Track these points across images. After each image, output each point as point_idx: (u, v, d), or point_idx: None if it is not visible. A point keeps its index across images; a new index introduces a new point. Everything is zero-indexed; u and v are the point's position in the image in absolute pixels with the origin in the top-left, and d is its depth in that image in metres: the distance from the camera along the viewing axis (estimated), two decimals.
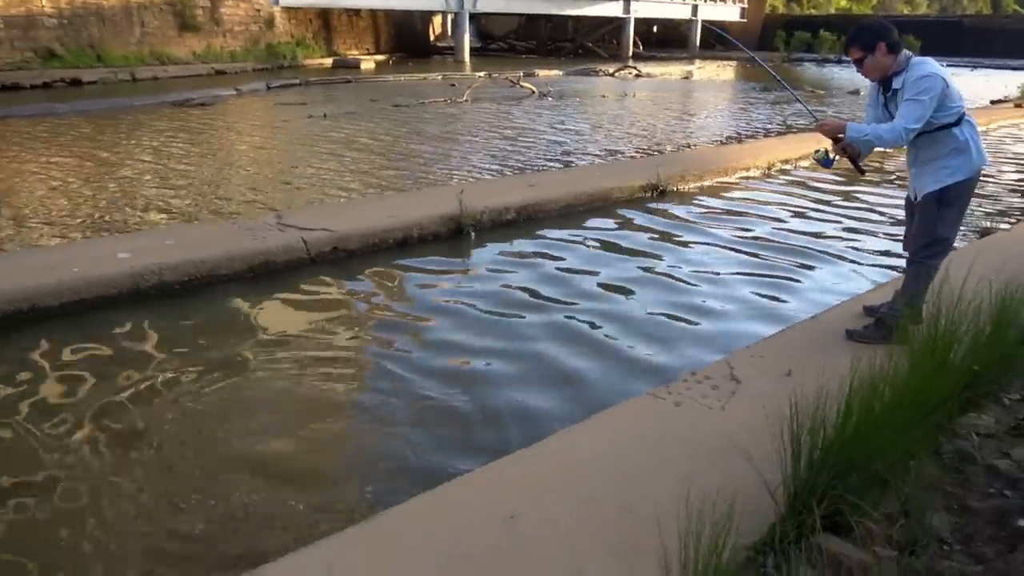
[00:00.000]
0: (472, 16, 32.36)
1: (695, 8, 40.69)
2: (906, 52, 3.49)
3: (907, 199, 3.85)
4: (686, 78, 26.58)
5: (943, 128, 3.47)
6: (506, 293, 5.06)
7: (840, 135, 3.59)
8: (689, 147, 11.34)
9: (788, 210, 7.41)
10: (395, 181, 8.57)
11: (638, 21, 38.69)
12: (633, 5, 37.78)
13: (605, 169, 8.67)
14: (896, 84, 3.48)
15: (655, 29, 43.30)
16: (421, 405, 3.57)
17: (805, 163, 9.56)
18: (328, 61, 27.46)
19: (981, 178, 3.73)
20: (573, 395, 3.71)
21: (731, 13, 42.70)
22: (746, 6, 42.98)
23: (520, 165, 9.60)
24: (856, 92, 20.84)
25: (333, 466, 3.12)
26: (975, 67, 31.19)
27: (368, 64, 27.46)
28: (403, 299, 5.01)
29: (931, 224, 3.60)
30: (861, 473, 2.36)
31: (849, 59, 3.59)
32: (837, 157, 3.73)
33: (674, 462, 2.76)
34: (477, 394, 3.67)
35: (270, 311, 4.75)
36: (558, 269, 5.58)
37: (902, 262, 5.93)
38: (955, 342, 2.84)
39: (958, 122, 3.48)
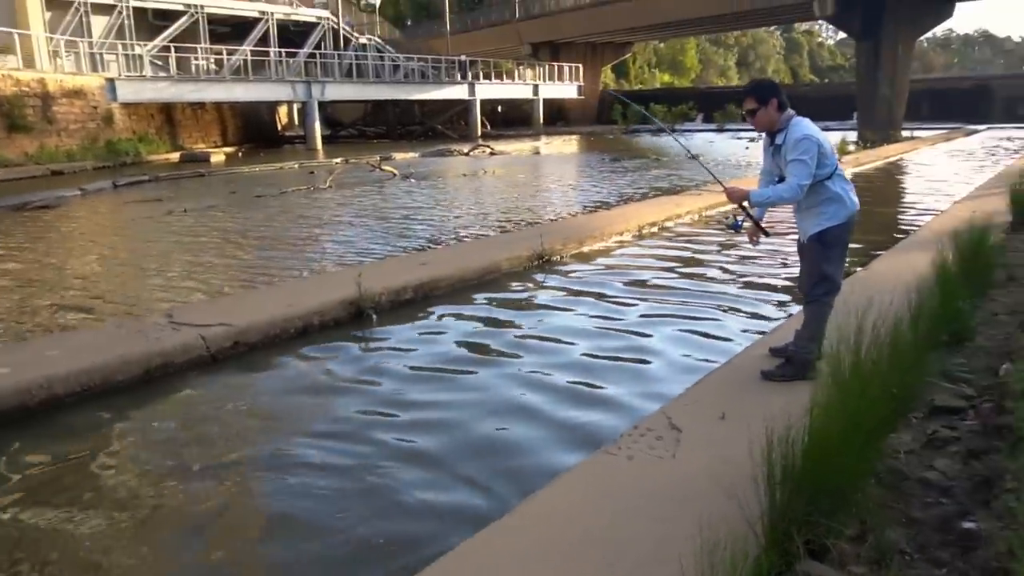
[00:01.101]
0: (320, 104, 32.48)
1: (536, 88, 42.79)
2: (789, 111, 3.86)
3: (798, 243, 4.19)
4: (537, 153, 27.77)
5: (819, 181, 3.84)
6: (424, 367, 5.06)
7: (744, 201, 3.91)
8: (564, 217, 11.79)
9: (671, 264, 7.93)
10: (280, 271, 8.36)
11: (483, 102, 40.16)
12: (478, 88, 39.24)
13: (491, 242, 8.88)
14: (779, 140, 3.87)
15: (500, 109, 45.08)
16: (370, 491, 3.47)
17: (671, 223, 10.21)
18: (175, 156, 26.57)
19: None
20: (509, 463, 3.73)
21: (569, 91, 45.21)
22: (582, 84, 45.63)
23: (405, 245, 9.63)
24: (695, 157, 22.43)
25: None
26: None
27: (218, 157, 26.77)
28: (317, 389, 4.86)
29: (817, 263, 3.97)
30: (828, 498, 2.53)
31: (743, 110, 3.94)
32: (743, 221, 4.09)
33: (644, 512, 2.83)
34: (412, 476, 3.60)
35: (180, 414, 4.48)
36: (467, 340, 5.63)
37: (784, 297, 6.54)
38: (876, 372, 3.11)
39: (830, 176, 3.87)
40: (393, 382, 4.89)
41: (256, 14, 33.40)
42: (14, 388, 4.43)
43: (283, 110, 44.15)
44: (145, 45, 27.96)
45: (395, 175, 18.90)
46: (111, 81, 25.54)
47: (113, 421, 4.37)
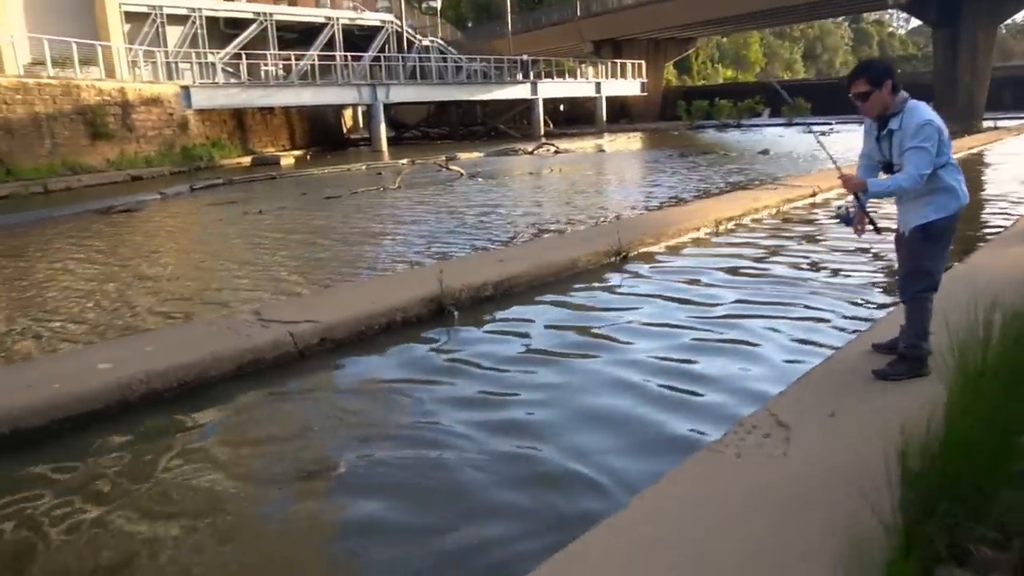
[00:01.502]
0: (384, 107, 32.91)
1: (598, 85, 42.53)
2: (903, 93, 3.61)
3: (896, 235, 3.97)
4: (601, 150, 27.58)
5: (932, 170, 3.60)
6: (511, 360, 5.03)
7: (860, 192, 3.70)
8: (639, 213, 11.65)
9: (755, 259, 7.73)
10: (360, 268, 8.47)
11: (546, 101, 40.08)
12: (540, 87, 39.21)
13: (567, 239, 8.81)
14: (893, 125, 3.61)
15: (562, 107, 44.94)
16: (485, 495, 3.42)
17: (748, 219, 9.96)
18: (246, 160, 27.26)
19: None
20: (612, 451, 3.66)
21: (633, 88, 44.80)
22: (645, 80, 45.17)
23: (481, 243, 9.65)
24: (766, 152, 21.99)
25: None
26: (862, 122, 33.44)
27: (287, 160, 27.39)
28: (406, 381, 4.85)
29: (917, 257, 3.76)
30: (968, 498, 2.38)
31: (851, 93, 3.66)
32: (854, 213, 3.86)
33: (763, 512, 2.71)
34: (523, 471, 3.55)
35: (276, 408, 4.53)
36: (553, 334, 5.57)
37: (878, 291, 6.29)
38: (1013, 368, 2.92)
39: (944, 165, 3.63)
40: (482, 375, 4.87)
41: (322, 20, 34.07)
42: (116, 383, 4.54)
43: (348, 113, 44.94)
44: (217, 53, 28.77)
45: (462, 175, 18.98)
46: (186, 88, 26.36)
47: (210, 415, 4.44)
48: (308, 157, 30.08)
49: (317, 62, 31.50)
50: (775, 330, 5.44)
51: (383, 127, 32.67)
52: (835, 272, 7.13)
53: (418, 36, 38.60)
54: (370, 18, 36.53)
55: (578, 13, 49.50)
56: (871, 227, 3.93)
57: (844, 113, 36.59)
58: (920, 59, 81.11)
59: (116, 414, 4.42)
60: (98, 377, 4.58)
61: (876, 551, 2.34)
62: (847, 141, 25.40)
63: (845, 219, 3.88)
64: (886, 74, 3.59)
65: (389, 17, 37.14)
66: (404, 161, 23.65)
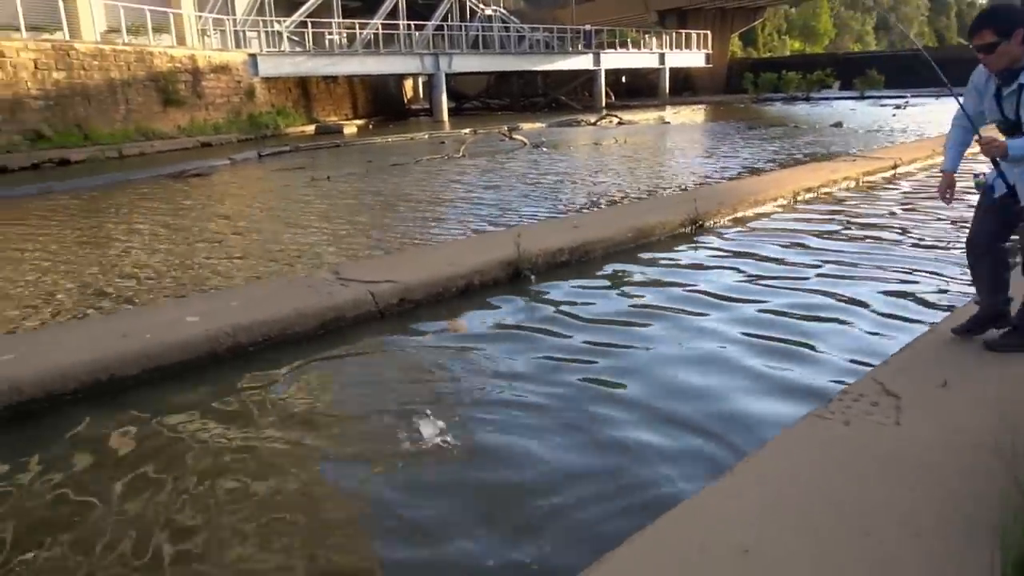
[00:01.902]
0: (445, 77, 32.83)
1: (662, 57, 41.71)
2: None
3: (983, 201, 3.63)
4: (665, 122, 27.05)
5: None
6: (594, 319, 4.94)
7: (1000, 157, 3.32)
8: (714, 182, 11.41)
9: (839, 228, 7.54)
10: (435, 232, 8.51)
11: (608, 72, 39.49)
12: (603, 57, 38.63)
13: (642, 206, 8.66)
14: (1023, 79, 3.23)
15: (624, 79, 44.23)
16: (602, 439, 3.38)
17: (828, 189, 9.64)
18: (310, 128, 27.56)
19: None
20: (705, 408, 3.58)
21: (697, 59, 43.82)
22: (711, 52, 44.11)
23: (552, 210, 9.58)
24: (839, 124, 21.28)
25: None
26: (939, 96, 32.15)
27: (351, 128, 27.61)
28: (491, 339, 4.80)
29: None
30: None
31: (972, 44, 3.29)
32: (996, 179, 3.46)
33: (880, 479, 2.59)
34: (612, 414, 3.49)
35: (368, 362, 4.55)
36: (635, 298, 5.49)
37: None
38: None
39: None
40: (568, 332, 4.85)
41: None
42: (204, 336, 4.60)
43: (408, 84, 45.08)
44: (283, 21, 29.01)
45: (525, 144, 18.84)
46: (253, 57, 26.70)
47: (301, 369, 4.47)
48: (370, 126, 30.26)
49: (381, 31, 31.51)
50: (865, 302, 5.23)
51: (444, 97, 32.62)
52: (928, 242, 6.84)
53: (481, 5, 38.29)
54: None
55: None
56: (1010, 197, 3.44)
57: (918, 86, 35.39)
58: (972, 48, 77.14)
59: (205, 365, 4.50)
60: (187, 329, 4.66)
61: (1008, 522, 2.22)
62: (924, 114, 24.53)
63: (988, 186, 3.52)
64: (1017, 22, 3.19)
65: None
66: (466, 131, 23.58)
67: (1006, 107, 3.37)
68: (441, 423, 3.60)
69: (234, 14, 28.41)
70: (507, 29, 36.78)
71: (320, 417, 3.80)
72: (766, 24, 61.26)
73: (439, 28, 33.99)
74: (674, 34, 43.08)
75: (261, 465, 3.32)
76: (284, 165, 16.70)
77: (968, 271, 3.82)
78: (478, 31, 35.23)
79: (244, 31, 28.25)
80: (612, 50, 40.17)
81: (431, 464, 3.26)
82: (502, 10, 39.27)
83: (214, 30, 27.13)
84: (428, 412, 3.70)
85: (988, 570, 2.06)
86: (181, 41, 25.09)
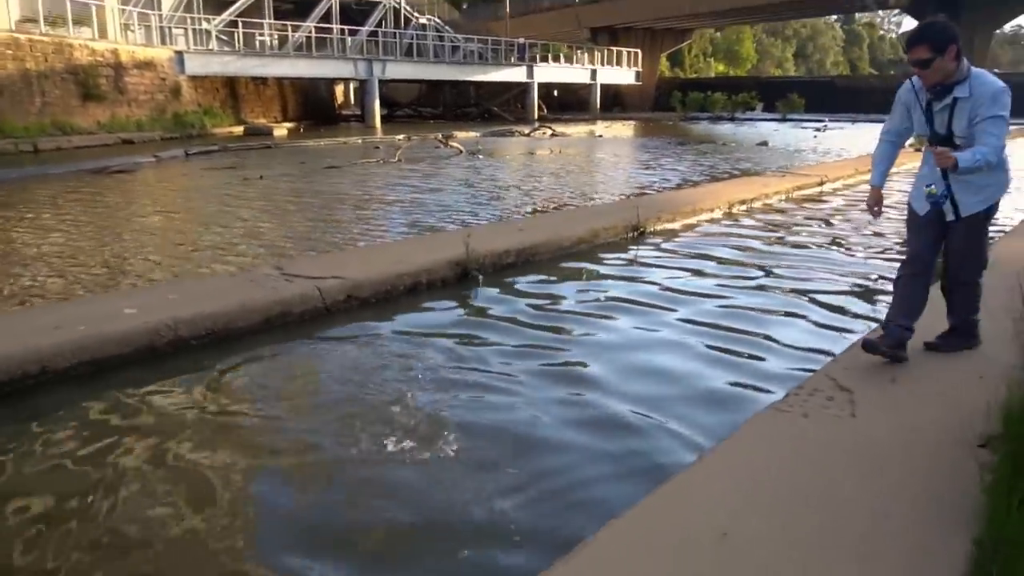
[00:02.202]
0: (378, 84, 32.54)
1: (594, 72, 42.36)
2: (966, 61, 3.31)
3: (919, 216, 3.60)
4: (599, 136, 27.43)
5: None
6: (546, 319, 4.94)
7: (951, 168, 3.30)
8: (652, 192, 11.61)
9: (775, 238, 7.77)
10: (377, 233, 8.39)
11: (540, 85, 39.85)
12: (536, 70, 38.98)
13: (585, 212, 8.77)
14: (960, 92, 3.28)
15: (555, 93, 44.70)
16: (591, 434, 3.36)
17: (759, 203, 9.93)
18: (238, 129, 26.84)
19: None
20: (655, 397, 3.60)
21: (627, 77, 44.67)
22: (641, 70, 45.06)
23: (496, 214, 9.57)
24: (764, 143, 22.00)
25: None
26: (855, 121, 33.66)
27: (280, 131, 27.00)
28: (444, 336, 4.75)
29: (979, 243, 3.56)
30: None
31: (908, 58, 3.34)
32: (942, 193, 3.44)
33: (842, 469, 2.66)
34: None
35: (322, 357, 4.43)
36: (586, 298, 5.51)
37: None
38: None
39: None
40: (518, 331, 4.86)
41: None
42: (144, 328, 4.40)
43: (339, 89, 44.43)
44: (212, 20, 28.25)
45: (461, 151, 18.81)
46: (180, 54, 25.89)
47: (247, 363, 4.32)
48: (301, 130, 29.68)
49: (314, 34, 31.02)
50: (804, 304, 5.42)
51: (377, 103, 32.32)
52: (859, 250, 7.13)
53: (415, 14, 38.15)
54: None
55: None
56: (950, 209, 3.48)
57: (836, 111, 36.98)
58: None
59: (144, 359, 4.30)
60: (125, 322, 4.45)
61: (976, 508, 2.30)
62: (842, 137, 25.61)
63: (938, 200, 3.43)
64: (950, 39, 3.24)
65: None
66: (400, 137, 23.41)
67: (937, 121, 3.42)
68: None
69: (160, 9, 27.51)
70: (441, 39, 36.73)
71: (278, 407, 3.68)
72: (692, 46, 63.01)
73: (373, 34, 33.67)
74: (606, 51, 43.83)
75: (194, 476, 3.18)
76: (213, 164, 16.21)
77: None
78: (412, 39, 35.05)
79: (170, 28, 27.38)
80: (545, 64, 40.58)
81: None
82: (436, 20, 39.21)
83: (139, 25, 26.18)
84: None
85: (958, 545, 2.13)
86: (103, 34, 24.10)
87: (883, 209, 3.84)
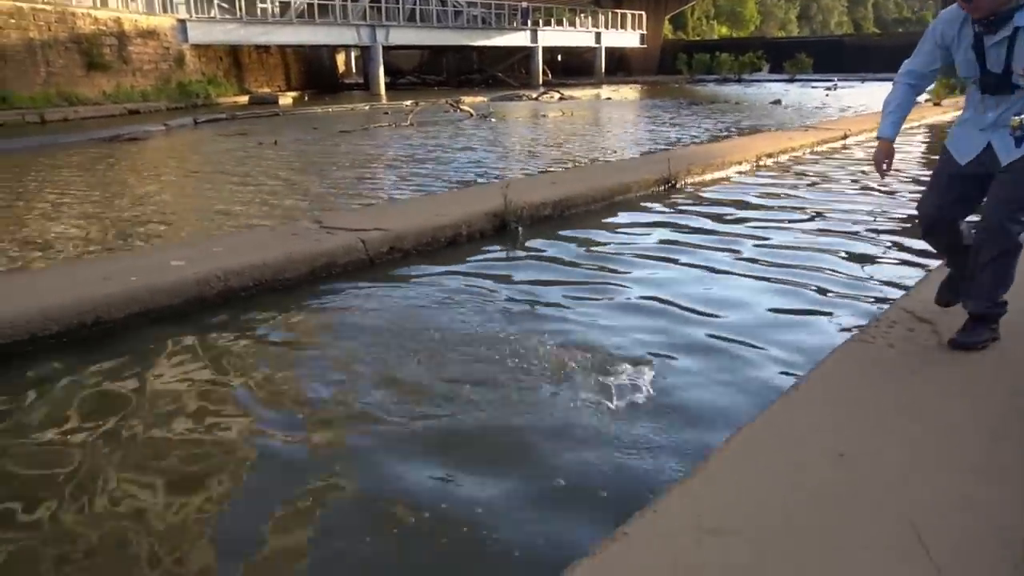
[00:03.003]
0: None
1: (598, 36, 41.84)
2: None
3: (957, 165, 3.01)
4: (608, 99, 27.15)
5: None
6: (597, 263, 4.87)
7: None
8: (681, 147, 11.53)
9: (807, 185, 7.66)
10: (412, 188, 8.37)
11: (544, 50, 39.39)
12: (540, 34, 38.52)
13: (617, 166, 8.67)
14: (1019, 20, 2.68)
15: (559, 58, 44.22)
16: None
17: (786, 156, 9.81)
18: (243, 98, 26.58)
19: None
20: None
21: (632, 39, 44.14)
22: (645, 32, 44.50)
23: (527, 169, 9.51)
24: (778, 102, 21.75)
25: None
26: (864, 80, 33.29)
27: (286, 100, 26.75)
28: (497, 280, 4.69)
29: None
30: None
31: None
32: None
33: (949, 388, 2.60)
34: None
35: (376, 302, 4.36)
36: (618, 247, 5.44)
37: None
38: None
39: None
40: (578, 273, 4.87)
41: None
42: (194, 279, 4.34)
43: (341, 58, 43.97)
44: None
45: (473, 115, 18.61)
46: (182, 22, 25.56)
47: (297, 313, 4.27)
48: (305, 98, 29.41)
49: (316, 1, 30.59)
50: (855, 242, 5.37)
51: (381, 70, 31.97)
52: (907, 194, 7.08)
53: None
54: None
55: None
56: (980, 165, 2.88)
57: (844, 71, 36.56)
58: (913, 22, 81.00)
59: (196, 310, 4.24)
60: (174, 273, 4.38)
61: None
62: (854, 96, 25.31)
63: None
64: None
65: None
66: (408, 103, 23.13)
67: (991, 59, 2.79)
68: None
69: None
70: (444, 3, 36.19)
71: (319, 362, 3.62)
72: (695, 9, 62.09)
73: (375, 0, 33.22)
74: (610, 14, 43.24)
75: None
76: (224, 131, 16.06)
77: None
78: (415, 4, 34.57)
79: None
80: (549, 28, 40.07)
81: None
82: None
83: None
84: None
85: None
86: (104, 3, 23.79)
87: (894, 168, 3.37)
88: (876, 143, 3.15)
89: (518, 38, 37.88)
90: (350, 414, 2.97)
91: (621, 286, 4.54)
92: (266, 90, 29.84)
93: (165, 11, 26.09)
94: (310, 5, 30.44)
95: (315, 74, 35.96)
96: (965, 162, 2.97)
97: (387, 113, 19.95)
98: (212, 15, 27.18)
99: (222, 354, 3.65)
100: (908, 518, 1.88)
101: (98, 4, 23.06)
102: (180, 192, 8.43)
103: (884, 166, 3.14)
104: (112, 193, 8.37)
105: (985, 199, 2.93)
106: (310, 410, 3.03)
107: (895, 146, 3.13)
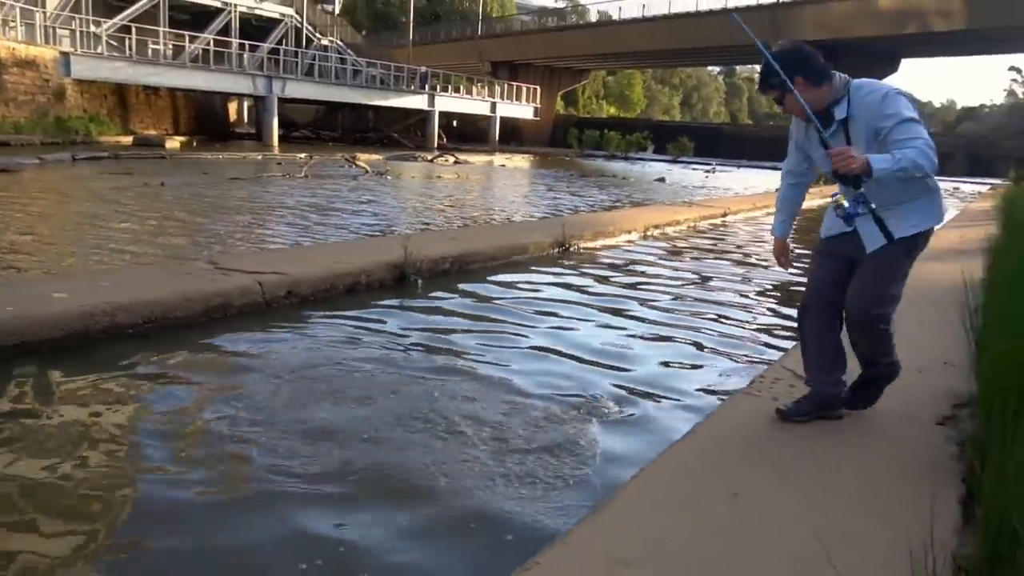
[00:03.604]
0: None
1: (494, 106, 43.04)
2: (841, 75, 2.78)
3: (821, 240, 3.04)
4: (501, 165, 27.83)
5: None
6: (484, 323, 4.96)
7: (863, 174, 2.57)
8: (574, 213, 11.94)
9: (692, 256, 8.08)
10: (306, 238, 8.23)
11: (441, 114, 40.10)
12: (437, 99, 39.23)
13: (515, 227, 8.92)
14: (839, 114, 2.74)
15: (455, 123, 45.08)
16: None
17: (671, 229, 10.35)
18: (126, 139, 25.56)
19: None
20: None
21: (526, 112, 45.62)
22: (539, 106, 46.14)
23: (425, 225, 9.59)
24: (662, 179, 22.92)
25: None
26: (739, 166, 35.66)
27: (173, 143, 25.89)
28: (386, 334, 4.69)
29: (891, 275, 2.82)
30: None
31: (764, 94, 2.90)
32: (860, 209, 2.65)
33: (831, 439, 2.81)
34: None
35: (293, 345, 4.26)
36: (519, 302, 5.56)
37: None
38: None
39: None
40: (475, 324, 4.91)
41: (219, 4, 32.61)
42: (79, 312, 4.13)
43: (233, 106, 43.17)
44: (103, 23, 26.96)
45: (368, 171, 18.64)
46: (65, 55, 24.55)
47: (192, 354, 4.12)
48: (194, 144, 28.57)
49: (212, 47, 30.11)
50: (732, 305, 5.70)
51: (275, 121, 31.59)
52: (773, 269, 7.55)
53: (317, 35, 37.74)
54: (269, 9, 35.32)
55: (479, 32, 50.05)
56: (887, 238, 2.72)
57: (722, 156, 39.09)
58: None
59: (75, 345, 4.02)
60: (55, 305, 4.16)
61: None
62: (732, 179, 27.04)
63: (849, 215, 2.67)
64: (792, 70, 2.69)
65: (290, 11, 36.08)
66: (302, 155, 22.88)
67: (824, 148, 2.72)
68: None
69: (44, 7, 26.01)
70: (343, 61, 36.41)
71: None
72: (586, 88, 65.11)
73: (273, 52, 33.03)
74: (506, 85, 44.67)
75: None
76: (105, 170, 15.38)
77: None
78: (313, 59, 34.62)
79: (55, 28, 25.90)
80: (447, 94, 40.91)
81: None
82: (339, 42, 38.91)
83: (20, 22, 24.64)
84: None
85: (951, 498, 2.29)
86: None
87: (792, 260, 3.26)
88: (769, 221, 3.27)
89: (416, 101, 38.45)
90: (235, 453, 2.89)
91: (518, 335, 4.68)
92: (152, 132, 28.81)
93: (48, 42, 25.00)
94: (205, 50, 29.94)
95: (205, 120, 35.09)
96: (826, 235, 3.01)
97: (280, 164, 19.68)
98: (99, 51, 26.26)
99: (105, 392, 3.48)
100: (797, 550, 2.01)
101: None
102: (60, 226, 8.00)
103: (783, 260, 3.21)
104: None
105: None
106: (200, 450, 2.92)
107: (789, 240, 3.19)
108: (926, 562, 1.75)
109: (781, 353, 4.24)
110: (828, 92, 2.74)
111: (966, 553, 2.04)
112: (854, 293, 2.85)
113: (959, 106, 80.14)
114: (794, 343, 4.30)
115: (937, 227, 2.80)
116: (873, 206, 2.61)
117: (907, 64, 39.19)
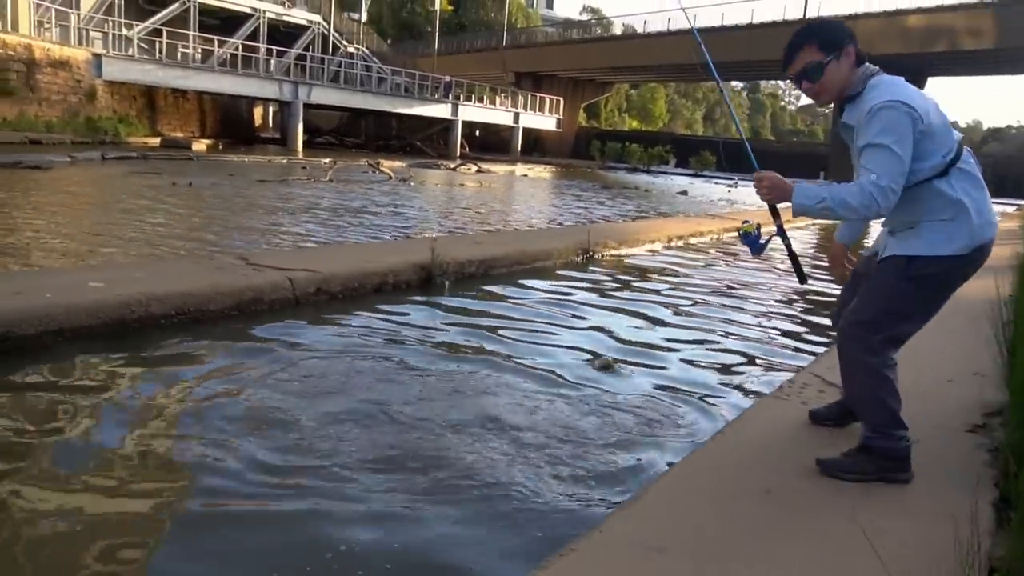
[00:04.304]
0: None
1: (517, 116, 43.24)
2: (869, 67, 2.37)
3: (862, 258, 2.81)
4: (524, 175, 27.92)
5: (922, 181, 2.30)
6: (516, 323, 4.99)
7: (781, 204, 2.37)
8: (600, 222, 12.01)
9: (712, 269, 8.08)
10: (336, 238, 8.35)
11: (464, 124, 40.35)
12: (461, 109, 39.48)
13: (541, 233, 8.96)
14: (848, 116, 2.40)
15: (477, 133, 45.32)
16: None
17: (695, 240, 10.36)
18: (154, 140, 25.99)
19: None
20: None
21: (548, 123, 45.78)
22: (562, 117, 46.29)
23: (452, 229, 9.68)
24: (684, 192, 22.90)
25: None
26: None
27: (199, 146, 26.27)
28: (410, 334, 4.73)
29: (879, 294, 2.44)
30: None
31: (787, 74, 2.44)
32: (763, 239, 2.52)
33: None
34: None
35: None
36: (548, 305, 5.60)
37: None
38: None
39: (945, 171, 2.30)
40: (500, 327, 4.89)
41: (248, 10, 33.13)
42: (115, 301, 4.21)
43: (258, 111, 43.70)
44: (135, 26, 27.43)
45: (392, 177, 18.79)
46: (98, 57, 25.00)
47: (229, 344, 4.18)
48: (220, 147, 28.97)
49: (240, 52, 30.52)
50: (765, 314, 5.70)
51: (301, 126, 31.93)
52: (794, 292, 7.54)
53: (344, 42, 38.16)
54: (298, 16, 35.82)
55: (504, 43, 50.33)
56: (798, 277, 2.72)
57: (743, 171, 38.96)
58: (806, 135, 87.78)
59: (111, 333, 4.10)
60: (92, 293, 4.24)
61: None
62: (751, 194, 26.96)
63: (751, 243, 2.54)
64: (846, 35, 2.37)
65: (317, 18, 36.56)
66: (326, 160, 23.16)
67: (853, 153, 2.43)
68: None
69: (78, 9, 26.51)
70: (368, 69, 36.78)
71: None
72: (609, 101, 65.22)
73: (300, 58, 33.44)
74: (529, 96, 44.86)
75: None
76: (135, 169, 15.61)
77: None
78: (339, 66, 35.00)
79: (88, 30, 26.39)
80: (470, 103, 41.16)
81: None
82: (365, 50, 39.32)
83: (56, 23, 25.13)
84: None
85: (984, 503, 2.30)
86: (16, 28, 23.02)
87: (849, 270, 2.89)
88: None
89: (439, 110, 38.72)
90: (274, 435, 2.94)
91: (548, 333, 4.70)
92: (179, 135, 29.25)
93: (81, 44, 25.47)
94: (233, 55, 30.36)
95: (231, 123, 35.57)
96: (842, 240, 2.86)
97: (305, 168, 19.88)
98: (130, 53, 26.69)
99: (144, 379, 3.55)
100: (835, 542, 2.03)
101: (8, 29, 22.29)
102: (92, 220, 8.14)
103: (837, 268, 2.94)
104: (17, 216, 7.99)
105: None
106: (244, 434, 2.98)
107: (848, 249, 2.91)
108: (965, 560, 1.76)
109: (811, 358, 4.23)
110: (846, 73, 2.34)
111: (1000, 555, 2.05)
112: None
113: (985, 126, 79.73)
114: (825, 349, 4.32)
115: (948, 254, 2.32)
116: (764, 242, 2.48)
117: (933, 82, 38.93)
